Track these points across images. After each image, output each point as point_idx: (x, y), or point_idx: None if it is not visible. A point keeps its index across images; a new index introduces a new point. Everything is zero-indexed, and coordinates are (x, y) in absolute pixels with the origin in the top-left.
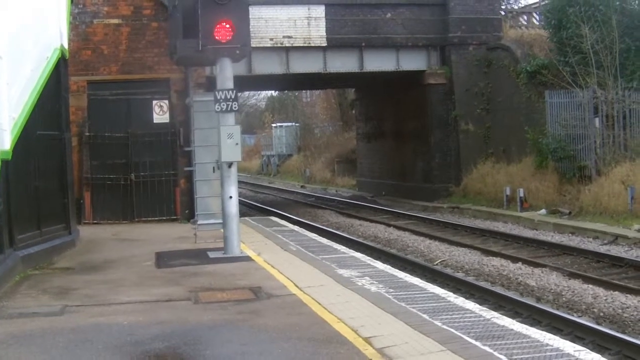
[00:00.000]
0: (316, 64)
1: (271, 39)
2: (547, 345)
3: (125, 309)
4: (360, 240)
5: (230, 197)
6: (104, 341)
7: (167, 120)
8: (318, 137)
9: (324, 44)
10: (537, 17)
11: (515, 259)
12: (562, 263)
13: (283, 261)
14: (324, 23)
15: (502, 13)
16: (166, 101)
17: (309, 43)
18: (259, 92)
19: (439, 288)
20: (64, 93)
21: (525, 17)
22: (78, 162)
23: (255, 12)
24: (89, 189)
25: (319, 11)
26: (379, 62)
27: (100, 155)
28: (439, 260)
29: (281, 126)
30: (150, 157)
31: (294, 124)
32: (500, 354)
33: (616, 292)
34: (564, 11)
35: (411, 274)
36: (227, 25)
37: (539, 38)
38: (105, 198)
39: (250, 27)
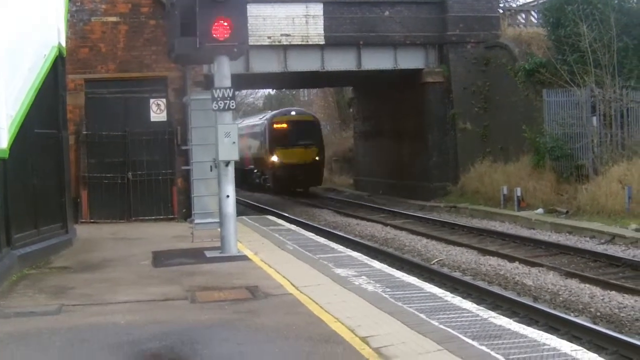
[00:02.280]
0: (314, 62)
1: (269, 37)
2: (544, 344)
3: (122, 308)
4: (357, 239)
5: (228, 196)
6: (100, 341)
7: (165, 119)
8: None
9: (322, 42)
10: (535, 15)
11: (512, 259)
12: (559, 262)
13: (280, 260)
14: (322, 21)
15: (500, 11)
16: (164, 100)
17: (307, 41)
18: (256, 90)
19: (436, 287)
20: (62, 91)
21: (523, 16)
22: (75, 161)
23: (253, 10)
24: (86, 187)
25: (317, 9)
26: (377, 61)
27: (98, 154)
28: (436, 260)
29: None
30: (148, 156)
31: None
32: (498, 353)
33: (613, 292)
34: (562, 9)
35: (408, 274)
36: (225, 23)
37: (537, 36)
38: (103, 197)
39: (248, 25)
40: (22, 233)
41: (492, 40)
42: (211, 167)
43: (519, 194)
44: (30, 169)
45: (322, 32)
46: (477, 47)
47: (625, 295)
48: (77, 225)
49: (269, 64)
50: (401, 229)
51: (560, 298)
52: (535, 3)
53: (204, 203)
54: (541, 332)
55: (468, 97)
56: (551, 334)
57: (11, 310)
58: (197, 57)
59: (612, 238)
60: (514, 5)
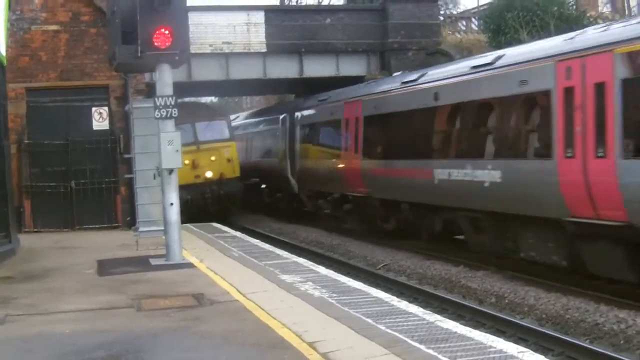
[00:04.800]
0: (256, 69)
1: (211, 45)
2: (491, 347)
3: (67, 317)
4: (302, 245)
5: (171, 203)
6: (46, 350)
7: (107, 127)
8: None
9: (264, 50)
10: (476, 22)
11: (457, 263)
12: (504, 265)
13: (225, 267)
14: (264, 29)
15: (441, 18)
16: (106, 108)
17: (249, 49)
18: (199, 98)
19: (382, 292)
20: (2, 100)
21: (464, 22)
22: (17, 170)
23: (194, 17)
24: (29, 197)
25: (259, 17)
26: (319, 68)
27: (40, 163)
28: (382, 265)
29: None
30: (91, 165)
31: None
32: (444, 356)
33: (558, 294)
34: (502, 16)
35: (354, 279)
36: (166, 32)
37: (478, 43)
38: (46, 206)
39: (190, 33)
40: None
41: (433, 47)
42: (154, 175)
43: None
44: None
45: (264, 39)
46: (418, 53)
47: (569, 297)
48: (20, 234)
49: (211, 72)
50: (347, 235)
51: (506, 300)
52: (476, 10)
53: (147, 211)
54: (488, 335)
55: None
56: (498, 336)
57: None
58: (139, 66)
59: None
60: (455, 13)
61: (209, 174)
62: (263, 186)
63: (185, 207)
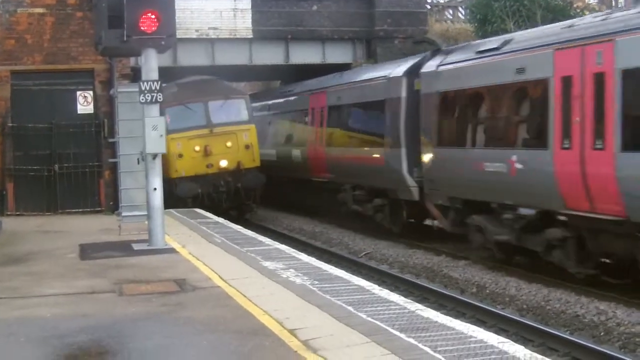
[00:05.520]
0: (242, 55)
1: (197, 30)
2: (471, 337)
3: (49, 301)
4: (285, 232)
5: (155, 188)
6: (27, 334)
7: (92, 111)
8: None
9: (250, 36)
10: (463, 12)
11: (439, 252)
12: (486, 256)
13: (208, 253)
14: (250, 15)
15: (428, 7)
16: (90, 92)
17: (235, 35)
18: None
19: (363, 280)
20: None
21: (450, 12)
22: (1, 153)
23: (180, 2)
24: (11, 180)
25: (245, 3)
26: (305, 55)
27: (24, 146)
28: (364, 253)
29: None
30: (74, 149)
31: None
32: (425, 345)
33: (539, 285)
34: (489, 6)
35: (336, 266)
36: (153, 16)
37: (464, 32)
38: (29, 189)
39: (176, 18)
40: None
41: (420, 36)
42: (138, 159)
43: None
44: None
45: (250, 25)
46: (404, 42)
47: (551, 288)
48: (2, 217)
49: (196, 57)
50: (329, 222)
51: (487, 291)
52: None
53: (131, 196)
54: (468, 325)
55: None
56: (479, 326)
57: None
58: (125, 50)
59: None
60: (442, 1)
61: (223, 163)
62: (347, 188)
63: (194, 202)
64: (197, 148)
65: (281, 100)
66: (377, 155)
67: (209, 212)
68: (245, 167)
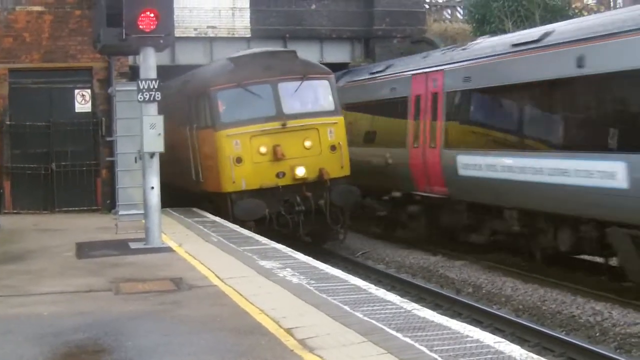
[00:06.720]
0: None
1: (195, 29)
2: (468, 336)
3: (46, 299)
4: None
5: (152, 187)
6: (24, 332)
7: (89, 110)
8: None
9: (248, 35)
10: (461, 12)
11: (435, 252)
12: (482, 256)
13: (204, 252)
14: (249, 14)
15: (427, 6)
16: (88, 90)
17: (233, 34)
18: None
19: (360, 280)
20: None
21: (449, 11)
22: None
23: (179, 1)
24: (9, 178)
25: (244, 2)
26: (303, 54)
27: (21, 145)
28: (361, 252)
29: None
30: (72, 147)
31: None
32: (421, 345)
33: (535, 285)
34: (487, 6)
35: (333, 266)
36: (152, 15)
37: (463, 32)
38: (26, 188)
39: (175, 16)
40: None
41: (418, 35)
42: (136, 158)
43: None
44: None
45: (249, 24)
46: (403, 41)
47: (547, 288)
48: None
49: (195, 56)
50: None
51: (483, 291)
52: None
53: (128, 194)
54: (465, 325)
55: None
56: (475, 326)
57: None
58: (123, 48)
59: None
60: (440, 1)
61: (300, 172)
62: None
63: (260, 227)
64: (264, 149)
65: (365, 84)
66: None
67: (279, 238)
68: (330, 176)
